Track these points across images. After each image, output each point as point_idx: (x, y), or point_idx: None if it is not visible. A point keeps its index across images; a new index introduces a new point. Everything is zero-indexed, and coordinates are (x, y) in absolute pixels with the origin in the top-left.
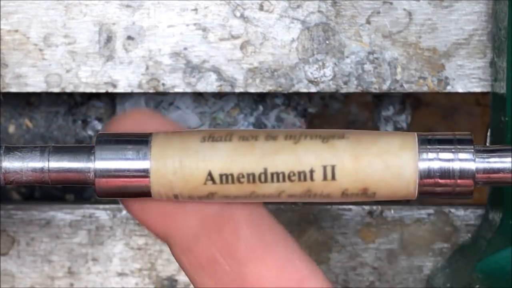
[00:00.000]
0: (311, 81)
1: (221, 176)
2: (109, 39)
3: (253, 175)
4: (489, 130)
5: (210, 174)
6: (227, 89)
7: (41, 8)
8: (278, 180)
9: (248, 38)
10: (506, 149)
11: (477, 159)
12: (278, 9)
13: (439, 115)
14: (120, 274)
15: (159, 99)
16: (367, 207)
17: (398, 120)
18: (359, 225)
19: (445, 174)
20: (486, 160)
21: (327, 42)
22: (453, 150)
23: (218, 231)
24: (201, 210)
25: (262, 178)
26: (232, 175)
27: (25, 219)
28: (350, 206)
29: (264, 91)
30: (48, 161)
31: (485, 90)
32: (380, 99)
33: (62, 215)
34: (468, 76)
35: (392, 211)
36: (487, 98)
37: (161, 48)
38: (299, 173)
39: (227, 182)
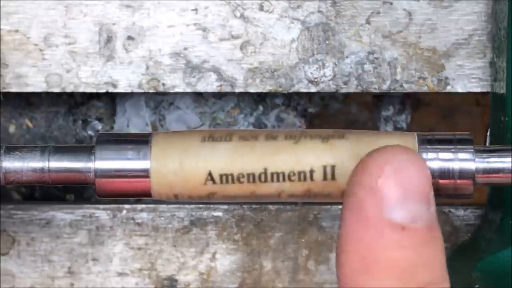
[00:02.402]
0: (311, 81)
1: (221, 176)
2: (109, 39)
3: (253, 175)
4: (489, 130)
5: (210, 174)
6: (227, 89)
7: (41, 8)
8: (278, 180)
9: (248, 38)
10: (506, 149)
11: (477, 159)
12: (278, 9)
13: (439, 115)
14: (120, 274)
15: (159, 99)
16: None
17: (398, 120)
18: None
19: (445, 174)
20: (486, 160)
21: (327, 42)
22: (453, 150)
23: None
24: None
25: (262, 178)
26: (232, 175)
27: (25, 219)
28: None
29: (264, 91)
30: (49, 161)
31: (485, 90)
32: (380, 99)
33: (62, 215)
34: (468, 76)
35: None
36: (487, 98)
37: (161, 48)
38: (299, 173)
39: (227, 182)
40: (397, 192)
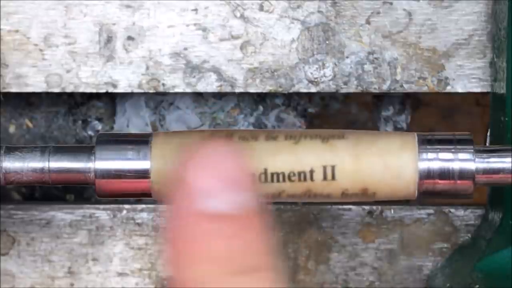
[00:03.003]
0: (311, 81)
1: None
2: (109, 39)
3: (253, 175)
4: (489, 130)
5: None
6: (227, 89)
7: (41, 8)
8: (278, 180)
9: (248, 38)
10: (506, 149)
11: (477, 159)
12: (278, 9)
13: (439, 115)
14: (120, 274)
15: (159, 99)
16: (367, 207)
17: (398, 120)
18: (359, 225)
19: (445, 174)
20: (486, 160)
21: (327, 42)
22: (453, 150)
23: None
24: None
25: (262, 178)
26: None
27: (26, 219)
28: (350, 206)
29: (264, 91)
30: (49, 161)
31: (485, 90)
32: (380, 99)
33: (62, 215)
34: (468, 76)
35: (392, 211)
36: (487, 98)
37: (161, 48)
38: (299, 173)
39: None
40: (209, 183)
